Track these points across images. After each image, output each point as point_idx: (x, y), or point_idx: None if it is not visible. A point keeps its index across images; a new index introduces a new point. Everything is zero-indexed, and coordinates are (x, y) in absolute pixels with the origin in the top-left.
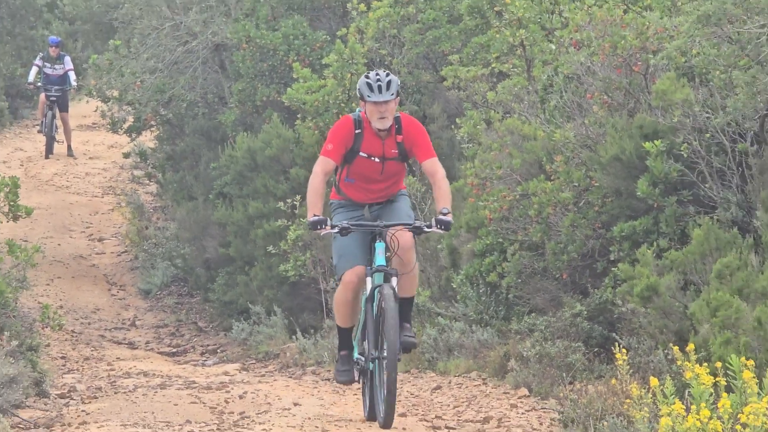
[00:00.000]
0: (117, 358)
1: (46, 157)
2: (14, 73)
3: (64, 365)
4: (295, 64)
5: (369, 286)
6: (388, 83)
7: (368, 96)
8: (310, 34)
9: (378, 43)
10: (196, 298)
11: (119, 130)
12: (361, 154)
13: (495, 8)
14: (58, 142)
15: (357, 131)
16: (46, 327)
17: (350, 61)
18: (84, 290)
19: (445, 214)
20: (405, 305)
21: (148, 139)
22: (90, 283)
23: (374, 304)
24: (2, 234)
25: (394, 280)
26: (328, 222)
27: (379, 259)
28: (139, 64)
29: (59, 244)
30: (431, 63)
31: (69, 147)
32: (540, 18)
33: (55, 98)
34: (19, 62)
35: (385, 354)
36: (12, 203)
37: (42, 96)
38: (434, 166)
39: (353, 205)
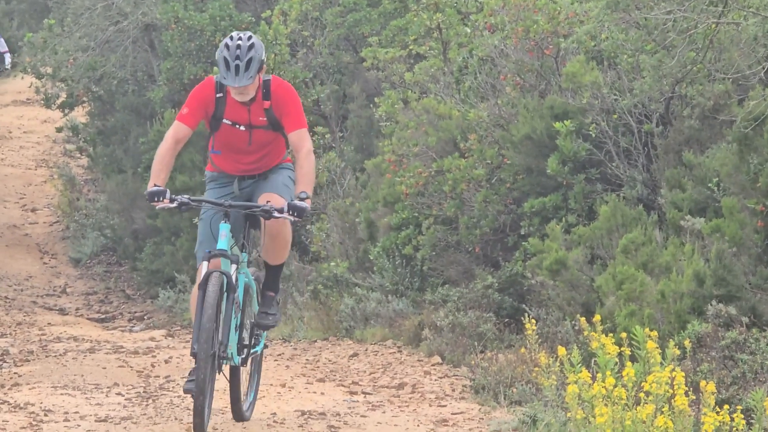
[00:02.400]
0: (48, 324)
1: None
2: None
3: None
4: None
5: (203, 271)
6: (248, 62)
7: (223, 78)
8: (236, 15)
9: (301, 24)
10: (124, 267)
11: (52, 105)
12: (224, 121)
13: None
14: None
15: (218, 95)
16: None
17: (274, 42)
18: (17, 258)
19: (302, 199)
20: (271, 273)
21: (80, 115)
22: (23, 251)
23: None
24: None
25: (233, 268)
26: (167, 195)
27: (221, 242)
28: (72, 42)
29: None
30: (351, 45)
31: None
32: (456, 2)
33: None
34: None
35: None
36: None
37: None
38: (301, 140)
39: (226, 178)
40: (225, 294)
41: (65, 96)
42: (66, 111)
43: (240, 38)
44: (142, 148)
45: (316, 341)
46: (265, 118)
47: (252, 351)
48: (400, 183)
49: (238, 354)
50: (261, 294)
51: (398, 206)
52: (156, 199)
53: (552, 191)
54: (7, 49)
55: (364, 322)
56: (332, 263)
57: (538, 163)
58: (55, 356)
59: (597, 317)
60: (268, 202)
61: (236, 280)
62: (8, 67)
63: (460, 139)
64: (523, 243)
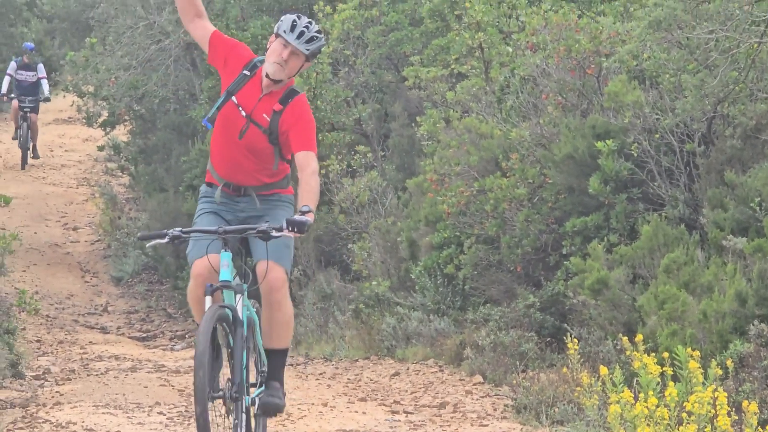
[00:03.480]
0: (90, 342)
1: (22, 168)
2: None
3: (39, 348)
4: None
5: (207, 305)
6: (311, 39)
7: (283, 31)
8: None
9: (343, 43)
10: (165, 286)
11: (94, 124)
12: (233, 99)
13: (455, 12)
14: (32, 158)
15: (245, 72)
16: (23, 311)
17: (316, 61)
18: (59, 277)
19: (304, 213)
20: (275, 363)
21: (121, 133)
22: (65, 270)
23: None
24: None
25: (238, 299)
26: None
27: (223, 273)
28: (114, 61)
29: (35, 233)
30: (393, 63)
31: (34, 147)
32: (498, 21)
33: (29, 108)
34: None
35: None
36: None
37: (14, 103)
38: (308, 160)
39: (215, 193)
40: (233, 329)
41: (107, 115)
42: (107, 130)
43: (311, 21)
44: (184, 166)
45: (357, 360)
46: (268, 119)
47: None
48: (441, 202)
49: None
50: (266, 383)
51: (440, 225)
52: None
53: (594, 211)
54: (45, 74)
55: (406, 341)
56: (374, 282)
57: (579, 182)
58: (97, 375)
59: (639, 337)
60: (267, 221)
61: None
62: (48, 95)
63: (502, 158)
64: (565, 262)
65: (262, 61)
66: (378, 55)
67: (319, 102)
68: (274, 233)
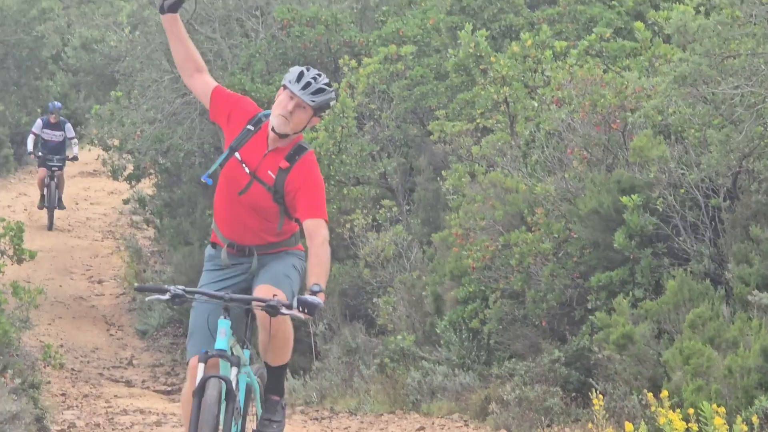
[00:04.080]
0: (115, 396)
1: (49, 229)
2: (19, 122)
3: (64, 402)
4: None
5: (200, 374)
6: (319, 91)
7: (289, 81)
8: None
9: (368, 97)
10: None
11: (119, 177)
12: (236, 155)
13: (480, 66)
14: (57, 209)
15: (249, 127)
16: (48, 365)
17: (341, 115)
18: (84, 330)
19: (315, 293)
20: (274, 375)
21: (146, 186)
22: (90, 323)
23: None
24: (7, 276)
25: (233, 371)
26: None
27: (220, 342)
28: (139, 114)
29: (60, 286)
30: (418, 117)
31: (59, 199)
32: (523, 76)
33: (57, 167)
34: (24, 111)
35: None
36: (17, 247)
37: (41, 172)
38: (318, 228)
39: (220, 254)
40: (224, 403)
41: (132, 168)
42: (133, 183)
43: (319, 73)
44: (209, 220)
45: (382, 414)
46: (273, 177)
47: None
48: (467, 257)
49: None
50: (264, 398)
51: (465, 280)
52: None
53: (619, 265)
54: (74, 134)
55: (431, 396)
56: (399, 336)
57: (605, 237)
58: (122, 429)
59: (664, 392)
60: (274, 296)
61: (237, 384)
62: (76, 154)
63: (527, 212)
64: (590, 317)
65: (267, 116)
66: (403, 109)
67: (344, 156)
68: (284, 310)
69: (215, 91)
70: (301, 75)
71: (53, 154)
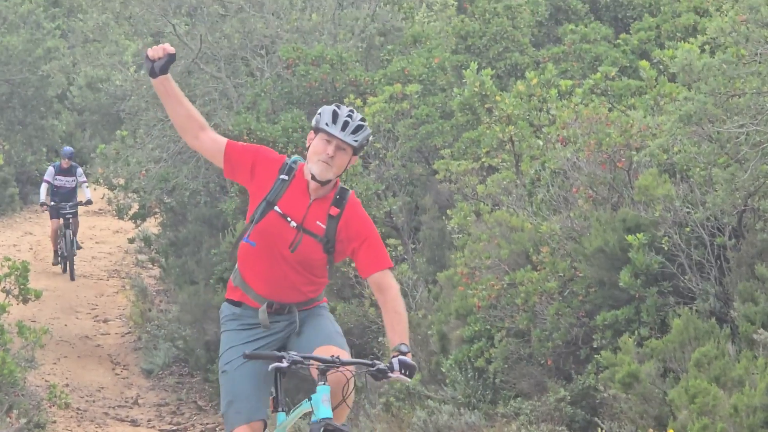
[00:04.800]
0: None
1: (72, 279)
2: (25, 161)
3: None
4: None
5: None
6: (358, 127)
7: (325, 124)
8: (309, 127)
9: (373, 136)
10: (196, 378)
11: (125, 216)
12: (276, 209)
13: (485, 105)
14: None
15: (282, 177)
16: (53, 405)
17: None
18: (89, 369)
19: (404, 353)
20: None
21: (152, 225)
22: (95, 362)
23: None
24: (12, 315)
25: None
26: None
27: (324, 411)
28: (145, 153)
29: (66, 325)
30: (424, 156)
31: (74, 241)
32: (528, 115)
33: (70, 215)
34: (29, 150)
35: None
36: (22, 286)
37: (53, 224)
38: (386, 279)
39: (250, 313)
40: None
41: (137, 207)
42: (138, 222)
43: (352, 109)
44: (215, 259)
45: None
46: (324, 227)
47: None
48: (472, 296)
49: None
50: None
51: (470, 319)
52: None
53: (624, 304)
54: (85, 179)
55: None
56: None
57: (610, 275)
58: None
59: (670, 431)
60: (333, 356)
61: None
62: (89, 197)
63: (533, 251)
64: (596, 356)
65: (296, 162)
66: (409, 147)
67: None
68: (390, 374)
69: (229, 146)
70: (335, 115)
71: (65, 201)
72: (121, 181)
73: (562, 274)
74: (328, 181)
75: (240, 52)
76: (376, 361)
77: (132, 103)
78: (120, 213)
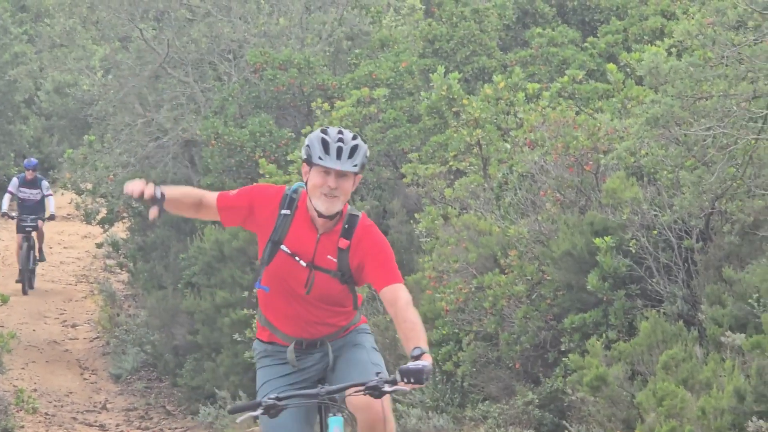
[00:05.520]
0: None
1: (24, 293)
2: None
3: None
4: (261, 161)
5: None
6: (353, 149)
7: (319, 158)
8: (276, 131)
9: None
10: (164, 383)
11: (93, 221)
12: (283, 248)
13: (453, 109)
14: (39, 260)
15: (284, 211)
16: (21, 410)
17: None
18: (57, 374)
19: (416, 357)
20: None
21: (120, 230)
22: (63, 367)
23: None
24: None
25: None
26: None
27: None
28: (113, 158)
29: (34, 330)
30: (392, 160)
31: (40, 250)
32: (496, 118)
33: (31, 228)
34: None
35: None
36: None
37: (18, 238)
38: (396, 292)
39: (281, 349)
40: None
41: (105, 212)
42: (106, 227)
43: (341, 130)
44: (183, 263)
45: None
46: (335, 260)
47: None
48: (440, 299)
49: None
50: None
51: (438, 322)
52: (153, 201)
53: (592, 307)
54: (51, 192)
55: None
56: None
57: (578, 279)
58: None
59: None
60: (378, 374)
61: None
62: (53, 212)
63: (501, 255)
64: (564, 359)
65: (297, 192)
66: (376, 151)
67: None
68: (386, 388)
69: (220, 200)
70: (326, 144)
71: (28, 214)
72: (89, 186)
73: (530, 278)
74: (337, 214)
75: (207, 57)
76: (373, 378)
77: (100, 107)
78: (88, 218)
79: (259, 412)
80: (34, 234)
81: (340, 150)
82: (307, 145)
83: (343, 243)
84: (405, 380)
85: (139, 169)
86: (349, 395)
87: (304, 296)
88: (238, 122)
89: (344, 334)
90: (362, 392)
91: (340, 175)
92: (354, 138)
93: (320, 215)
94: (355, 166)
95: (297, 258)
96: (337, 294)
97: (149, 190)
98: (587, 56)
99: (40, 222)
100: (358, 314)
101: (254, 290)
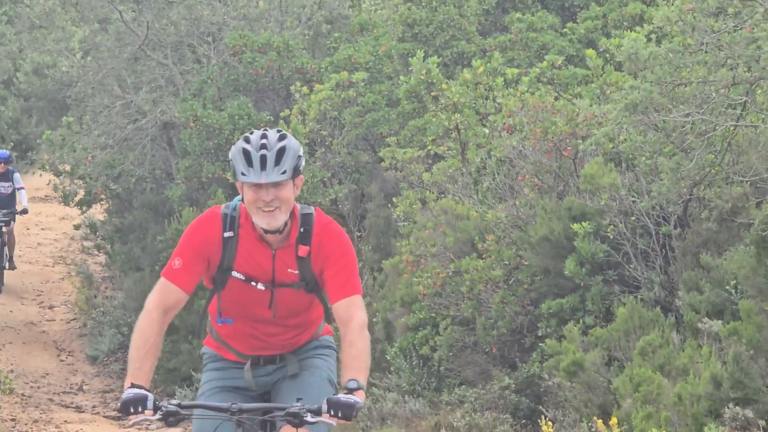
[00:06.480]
0: (65, 421)
1: None
2: None
3: (14, 427)
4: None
5: None
6: (280, 153)
7: (242, 173)
8: (255, 114)
9: (319, 124)
10: None
11: (70, 202)
12: (234, 274)
13: (432, 93)
14: (8, 269)
15: (227, 234)
16: None
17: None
18: (34, 355)
19: (351, 390)
20: None
21: (98, 212)
22: (40, 348)
23: None
24: None
25: None
26: (149, 403)
27: None
28: (91, 140)
29: (11, 311)
30: (370, 144)
31: (11, 259)
32: (474, 103)
33: (3, 223)
34: None
35: None
36: None
37: None
38: (352, 310)
39: (235, 361)
40: None
41: (83, 193)
42: (84, 208)
43: (265, 131)
44: (160, 246)
45: None
46: (297, 272)
47: None
48: (417, 283)
49: None
50: None
51: (416, 306)
52: (131, 411)
53: (569, 293)
54: (22, 184)
55: (381, 422)
56: None
57: (555, 264)
58: None
59: (614, 419)
60: (299, 399)
61: None
62: (25, 206)
63: (478, 239)
64: (541, 344)
65: (236, 209)
66: (355, 135)
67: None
68: (309, 418)
69: (180, 282)
70: (248, 156)
71: (0, 209)
72: (67, 168)
73: (507, 263)
74: (286, 224)
75: (187, 39)
76: (296, 404)
77: (78, 89)
78: (66, 199)
79: (156, 416)
80: (4, 229)
81: (264, 159)
82: (231, 159)
83: (303, 250)
84: (332, 412)
85: (117, 151)
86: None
87: (270, 319)
88: (217, 105)
89: (305, 343)
90: (281, 418)
91: (274, 185)
92: (281, 139)
93: (267, 231)
94: (284, 173)
95: (253, 283)
96: (304, 306)
97: (152, 417)
98: (566, 42)
99: (12, 224)
100: (322, 324)
101: (207, 326)
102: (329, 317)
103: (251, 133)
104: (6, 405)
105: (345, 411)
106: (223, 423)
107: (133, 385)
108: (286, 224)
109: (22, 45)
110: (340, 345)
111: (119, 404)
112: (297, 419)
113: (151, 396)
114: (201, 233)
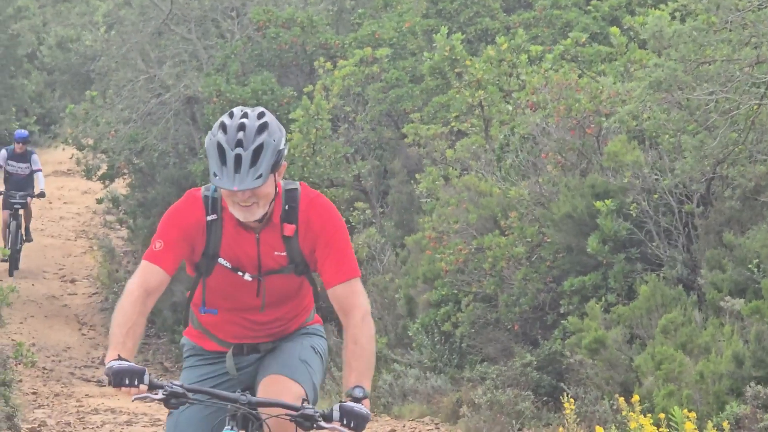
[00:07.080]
0: (86, 395)
1: (11, 275)
2: None
3: (35, 401)
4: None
5: None
6: (257, 151)
7: (214, 174)
8: (278, 89)
9: (343, 100)
10: (162, 339)
11: (93, 176)
12: (220, 261)
13: (455, 70)
14: (24, 241)
15: (211, 217)
16: (19, 364)
17: (316, 117)
18: (56, 329)
19: (358, 399)
20: None
21: (120, 186)
22: (62, 322)
23: None
24: None
25: None
26: (145, 377)
27: None
28: (114, 114)
29: (33, 285)
30: (393, 120)
31: (27, 230)
32: (498, 80)
33: (19, 205)
34: None
35: None
36: None
37: (3, 214)
38: (352, 296)
39: (216, 352)
40: None
41: (106, 167)
42: (106, 182)
43: (245, 115)
44: None
45: None
46: (285, 254)
47: None
48: (440, 260)
49: None
50: None
51: (438, 283)
52: (126, 382)
53: (592, 270)
54: (40, 166)
55: (402, 399)
56: None
57: (578, 241)
58: (93, 428)
59: (635, 397)
60: (305, 401)
61: None
62: (42, 189)
63: (501, 216)
64: (563, 321)
65: (217, 190)
66: (378, 111)
67: (318, 158)
68: (322, 423)
69: (162, 263)
70: (222, 153)
71: (17, 190)
72: (90, 142)
73: (530, 240)
74: (265, 215)
75: (210, 14)
76: (307, 406)
77: (102, 63)
78: (88, 173)
79: (159, 395)
80: (21, 212)
81: (238, 160)
82: (206, 148)
83: (289, 229)
84: (344, 421)
85: (141, 125)
86: (270, 419)
87: (258, 306)
88: (241, 80)
89: (293, 332)
90: (291, 418)
91: (246, 191)
92: (260, 130)
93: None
94: (260, 177)
95: (240, 272)
96: (295, 290)
97: (155, 396)
98: (590, 19)
99: (29, 199)
100: (312, 313)
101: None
102: (319, 306)
103: (230, 115)
104: (27, 378)
105: (358, 422)
106: (212, 412)
107: (120, 358)
108: (267, 213)
109: (46, 18)
110: (342, 337)
111: (111, 374)
112: (308, 422)
113: (146, 371)
114: (184, 218)
